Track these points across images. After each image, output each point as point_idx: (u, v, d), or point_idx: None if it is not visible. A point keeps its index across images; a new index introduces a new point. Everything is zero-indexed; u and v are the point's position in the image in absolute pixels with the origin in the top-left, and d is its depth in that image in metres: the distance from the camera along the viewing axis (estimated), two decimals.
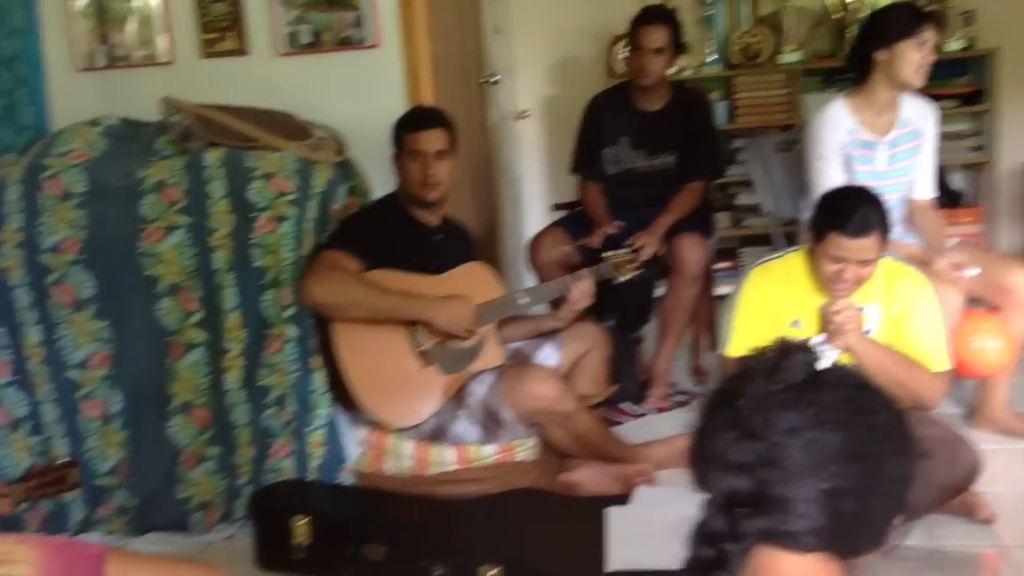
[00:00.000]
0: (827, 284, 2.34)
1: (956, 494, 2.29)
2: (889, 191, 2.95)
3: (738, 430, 0.93)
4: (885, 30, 2.82)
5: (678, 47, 3.44)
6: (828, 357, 0.98)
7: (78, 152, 2.81)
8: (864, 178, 2.90)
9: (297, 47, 3.27)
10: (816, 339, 2.35)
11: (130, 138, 3.00)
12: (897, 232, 2.98)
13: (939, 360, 2.41)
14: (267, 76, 3.29)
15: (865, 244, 2.26)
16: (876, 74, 2.84)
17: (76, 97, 3.39)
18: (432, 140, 2.70)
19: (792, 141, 3.61)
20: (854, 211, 2.27)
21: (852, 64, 2.97)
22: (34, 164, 2.76)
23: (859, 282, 2.31)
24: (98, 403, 2.68)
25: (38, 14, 3.38)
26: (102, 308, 2.65)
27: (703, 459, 0.96)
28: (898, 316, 2.43)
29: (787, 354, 0.96)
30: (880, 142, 2.91)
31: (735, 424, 0.93)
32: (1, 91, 3.28)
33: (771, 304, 2.46)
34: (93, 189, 2.72)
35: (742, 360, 1.03)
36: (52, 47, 3.41)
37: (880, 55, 2.80)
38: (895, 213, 2.99)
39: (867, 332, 2.41)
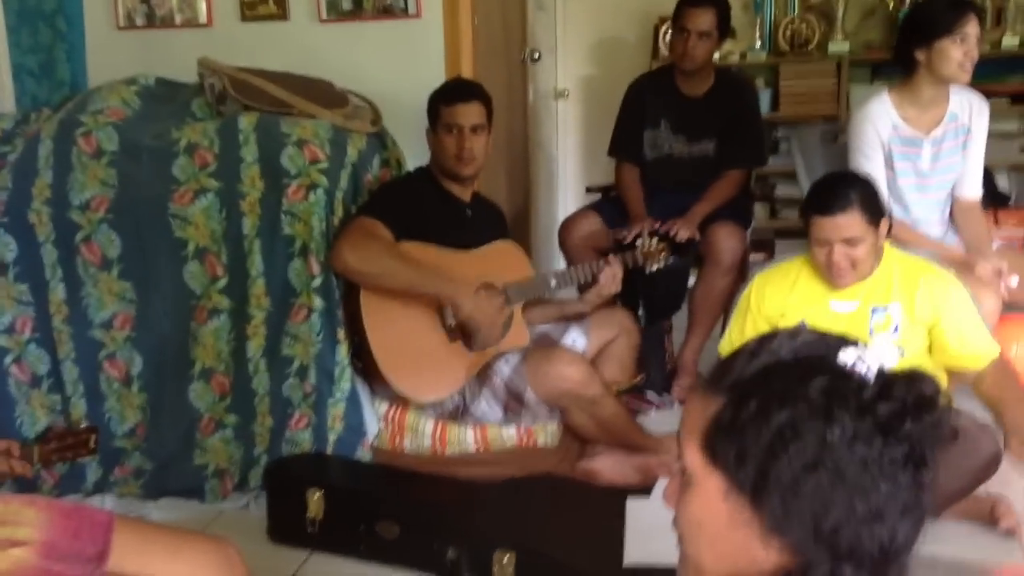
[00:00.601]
0: (826, 274, 2.31)
1: (978, 483, 2.25)
2: (933, 190, 2.88)
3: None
4: (924, 27, 2.73)
5: (724, 31, 3.34)
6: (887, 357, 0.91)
7: (113, 110, 2.79)
8: (906, 176, 2.82)
9: (338, 13, 3.23)
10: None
11: (165, 99, 2.97)
12: (937, 232, 2.90)
13: (989, 351, 2.36)
14: (306, 42, 3.25)
15: (843, 221, 2.21)
16: (919, 71, 2.75)
17: (114, 55, 3.38)
18: (469, 114, 2.65)
19: (837, 132, 3.52)
20: (828, 191, 2.27)
21: (896, 59, 2.87)
22: (68, 120, 2.74)
23: (855, 265, 2.26)
24: (119, 364, 2.66)
25: None
26: (128, 268, 2.63)
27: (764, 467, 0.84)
28: (931, 322, 2.36)
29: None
30: (924, 139, 2.82)
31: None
32: (40, 47, 3.27)
33: (769, 311, 2.42)
34: (125, 148, 2.69)
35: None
36: (92, 4, 3.40)
37: (920, 53, 2.72)
38: (938, 213, 2.91)
39: (895, 330, 2.34)
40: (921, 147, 2.82)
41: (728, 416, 0.85)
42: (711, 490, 0.86)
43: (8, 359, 2.66)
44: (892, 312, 2.33)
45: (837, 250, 2.23)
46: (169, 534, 1.40)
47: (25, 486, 2.61)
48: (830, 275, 2.29)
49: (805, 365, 0.86)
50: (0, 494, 1.31)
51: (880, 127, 2.79)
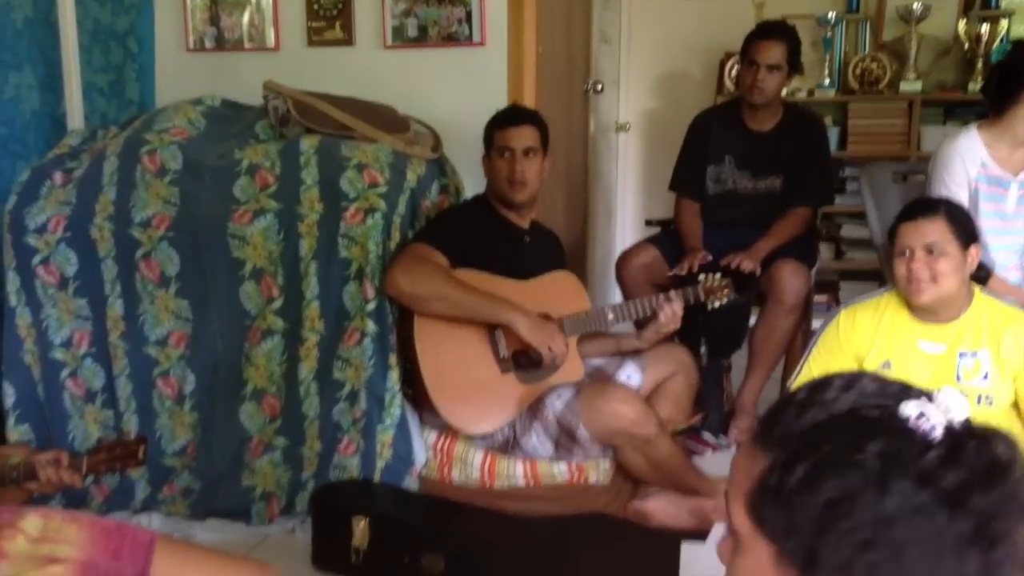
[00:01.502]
0: (906, 290, 2.25)
1: None
2: (1013, 234, 2.77)
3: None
4: (1011, 81, 2.65)
5: (794, 66, 3.27)
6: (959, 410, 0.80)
7: (178, 130, 2.82)
8: (989, 217, 2.71)
9: (403, 40, 3.24)
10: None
11: (230, 120, 3.00)
12: (1015, 278, 2.79)
13: None
14: (370, 67, 3.26)
15: (925, 226, 2.20)
16: (1017, 109, 2.65)
17: (182, 76, 3.43)
18: (522, 137, 2.63)
19: (909, 172, 3.42)
20: (918, 201, 2.31)
21: (989, 95, 2.77)
22: (134, 138, 2.77)
23: (935, 279, 2.20)
24: (172, 382, 2.66)
25: None
26: (185, 287, 2.63)
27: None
28: (1017, 370, 2.28)
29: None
30: (1012, 180, 2.71)
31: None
32: (110, 66, 3.33)
33: (857, 346, 2.36)
34: (188, 167, 2.71)
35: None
36: (164, 26, 3.46)
37: (1011, 110, 2.64)
38: (1016, 258, 2.80)
39: (985, 377, 2.27)
40: (1008, 188, 2.72)
41: (774, 480, 0.76)
42: (760, 556, 0.78)
43: (64, 373, 2.68)
44: (982, 358, 2.25)
45: (918, 257, 2.20)
46: (211, 557, 1.37)
47: (74, 499, 2.62)
48: (909, 290, 2.24)
49: (860, 423, 0.76)
50: (44, 509, 1.29)
51: (969, 163, 2.70)
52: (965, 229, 2.23)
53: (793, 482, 0.75)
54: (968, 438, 0.75)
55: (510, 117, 2.70)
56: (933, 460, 0.73)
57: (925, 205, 2.28)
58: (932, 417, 0.75)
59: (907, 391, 0.79)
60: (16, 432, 2.65)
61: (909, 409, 0.75)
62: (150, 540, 1.25)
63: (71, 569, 1.18)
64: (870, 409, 0.77)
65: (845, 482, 0.73)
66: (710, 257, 3.06)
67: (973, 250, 2.24)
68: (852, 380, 0.81)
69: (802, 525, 0.74)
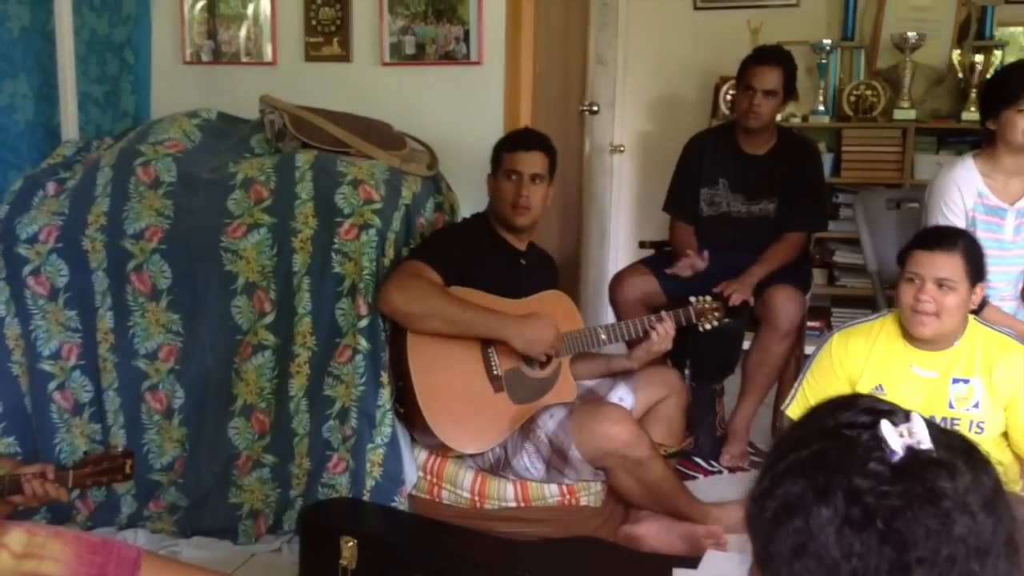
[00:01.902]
0: (908, 319, 2.25)
1: None
2: (1010, 262, 2.77)
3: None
4: (991, 98, 2.71)
5: (789, 91, 3.29)
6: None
7: (172, 142, 2.81)
8: (986, 246, 2.71)
9: (400, 57, 3.24)
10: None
11: (225, 133, 2.99)
12: (1011, 307, 2.79)
13: None
14: (367, 84, 3.26)
15: (942, 260, 2.20)
16: (1001, 127, 2.69)
17: (178, 88, 3.42)
18: (531, 162, 2.62)
19: (903, 200, 3.43)
20: (936, 231, 2.31)
21: (981, 127, 2.81)
22: (128, 149, 2.76)
23: (939, 314, 2.20)
24: (161, 396, 2.64)
25: (151, 4, 3.42)
26: (176, 300, 2.61)
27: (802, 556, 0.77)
28: (1008, 400, 2.29)
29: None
30: (1009, 209, 2.73)
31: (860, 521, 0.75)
32: (106, 77, 3.32)
33: (850, 369, 2.37)
34: (183, 179, 2.70)
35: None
36: (161, 38, 3.45)
37: (991, 123, 2.70)
38: (1012, 287, 2.81)
39: (976, 406, 2.28)
40: (1005, 217, 2.73)
41: (755, 488, 0.82)
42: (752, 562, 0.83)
43: (52, 385, 2.65)
44: (974, 386, 2.26)
45: (928, 289, 2.20)
46: (199, 574, 1.34)
47: (59, 514, 2.58)
48: (911, 323, 2.24)
49: (828, 435, 0.79)
50: (28, 524, 1.26)
51: (965, 192, 2.72)
52: (977, 267, 2.24)
53: (761, 488, 0.80)
54: (921, 464, 0.76)
55: (521, 141, 2.69)
56: (874, 478, 0.75)
57: (944, 237, 2.26)
58: (890, 439, 0.76)
59: (893, 413, 0.80)
60: (2, 444, 2.62)
61: (885, 429, 0.77)
62: (136, 557, 1.23)
63: None
64: (843, 426, 0.80)
65: (793, 489, 0.77)
66: (706, 254, 3.05)
67: (979, 288, 2.26)
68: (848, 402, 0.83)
69: (760, 527, 0.79)
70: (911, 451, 0.76)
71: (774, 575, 0.78)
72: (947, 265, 2.19)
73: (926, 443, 0.77)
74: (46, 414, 2.65)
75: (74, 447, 2.65)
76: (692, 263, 3.10)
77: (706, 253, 3.14)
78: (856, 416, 0.80)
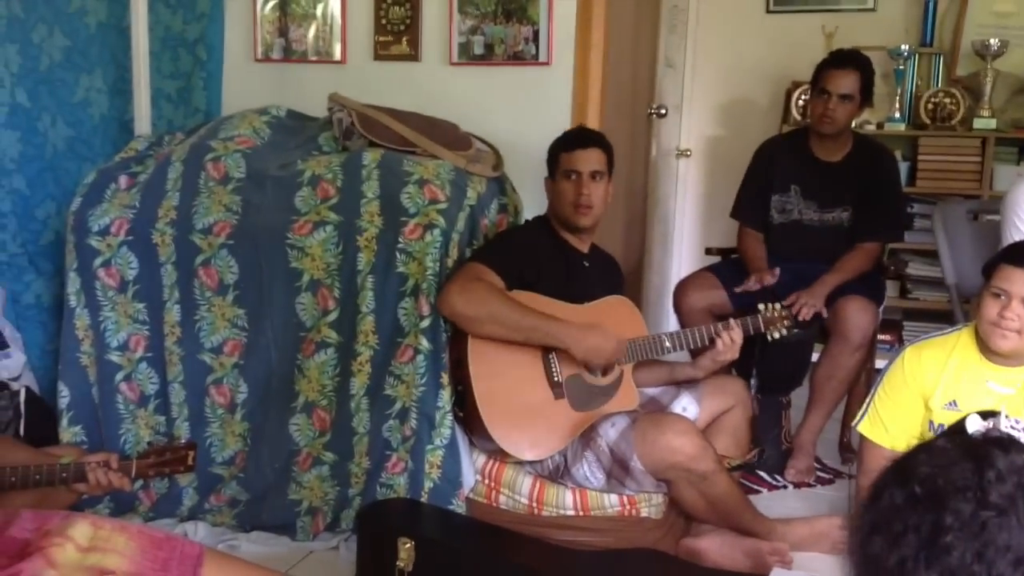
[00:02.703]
0: (988, 332, 2.18)
1: None
2: None
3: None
4: None
5: (867, 96, 3.19)
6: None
7: (242, 138, 2.83)
8: None
9: (468, 57, 3.22)
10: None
11: (294, 130, 3.00)
12: None
13: None
14: (435, 83, 3.25)
15: None
16: None
17: (249, 85, 3.46)
18: (589, 159, 2.58)
19: (982, 211, 3.30)
20: None
21: None
22: (199, 145, 2.79)
23: (1021, 331, 2.14)
24: (225, 390, 2.65)
25: (224, 2, 3.46)
26: (242, 295, 2.63)
27: None
28: None
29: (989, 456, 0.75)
30: None
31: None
32: (179, 73, 3.36)
33: (923, 384, 2.31)
34: (251, 176, 2.71)
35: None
36: (233, 35, 3.49)
37: None
38: None
39: None
40: None
41: None
42: None
43: (119, 376, 2.69)
44: None
45: (1015, 306, 2.13)
46: (260, 573, 1.33)
47: (122, 504, 2.61)
48: (992, 335, 2.17)
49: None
50: (94, 517, 1.26)
51: None
52: None
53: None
54: None
55: (578, 139, 2.65)
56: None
57: None
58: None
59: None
60: (69, 433, 2.66)
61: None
62: (199, 554, 1.22)
63: None
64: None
65: None
66: (777, 271, 2.98)
67: None
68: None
69: None
70: None
71: None
72: None
73: None
74: (112, 405, 2.68)
75: (138, 438, 2.68)
76: (762, 279, 3.02)
77: (777, 270, 3.05)
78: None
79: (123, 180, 2.76)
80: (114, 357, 2.68)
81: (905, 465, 0.79)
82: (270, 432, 2.62)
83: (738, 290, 3.05)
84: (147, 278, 2.66)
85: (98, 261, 2.66)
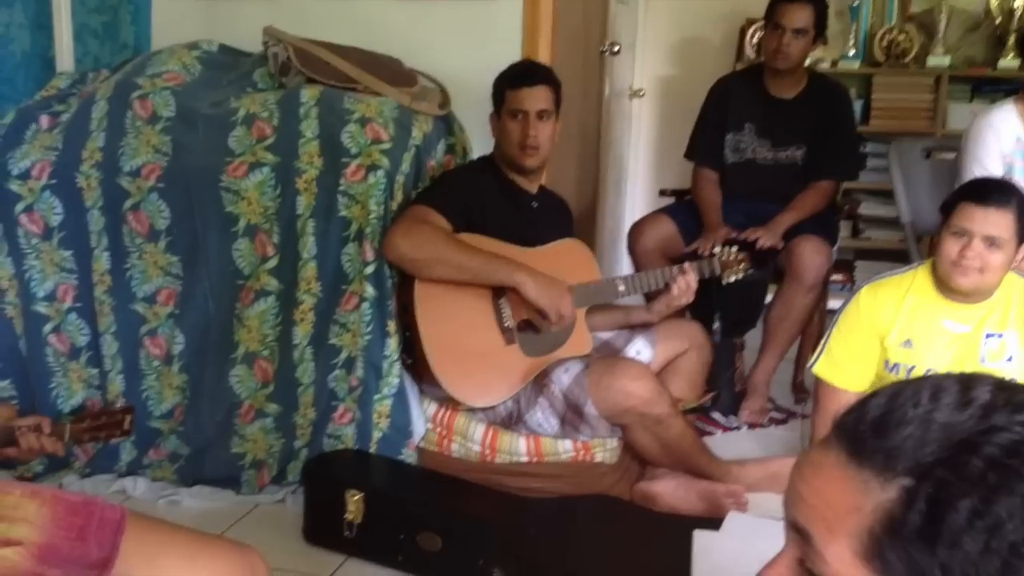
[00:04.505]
0: (948, 271, 2.14)
1: None
2: None
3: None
4: None
5: (820, 31, 3.12)
6: None
7: (171, 75, 2.67)
8: None
9: None
10: None
11: (227, 66, 2.85)
12: None
13: None
14: (377, 17, 3.10)
15: (995, 217, 2.07)
16: None
17: (179, 19, 3.27)
18: (536, 98, 2.47)
19: (936, 149, 3.27)
20: (991, 185, 2.18)
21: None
22: (125, 82, 2.62)
23: (983, 271, 2.10)
24: (160, 341, 2.53)
25: None
26: (175, 241, 2.49)
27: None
28: None
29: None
30: None
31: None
32: (104, 7, 3.18)
33: (879, 324, 2.28)
34: (181, 114, 2.56)
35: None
36: None
37: None
38: None
39: (1009, 360, 2.21)
40: None
41: (917, 519, 0.61)
42: None
43: (47, 328, 2.55)
44: (1008, 339, 2.17)
45: (975, 246, 2.09)
46: (186, 538, 1.24)
47: (56, 462, 2.50)
48: (952, 273, 2.13)
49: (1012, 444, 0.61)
50: (1, 481, 1.16)
51: (1003, 137, 2.60)
52: None
53: (957, 521, 0.60)
54: None
55: (524, 76, 2.53)
56: None
57: (999, 191, 2.13)
58: None
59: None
60: None
61: None
62: (119, 519, 1.13)
63: (26, 553, 1.05)
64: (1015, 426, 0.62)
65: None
66: (733, 234, 2.93)
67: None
68: (937, 389, 0.67)
69: (950, 570, 0.60)
70: None
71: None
72: (1000, 222, 2.07)
73: None
74: (42, 358, 2.55)
75: (71, 392, 2.56)
76: (715, 240, 2.95)
77: (727, 228, 3.00)
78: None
79: (44, 120, 2.59)
80: (41, 308, 2.54)
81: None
82: (209, 384, 2.52)
83: (687, 250, 2.99)
84: (73, 224, 2.51)
85: (20, 207, 2.51)
